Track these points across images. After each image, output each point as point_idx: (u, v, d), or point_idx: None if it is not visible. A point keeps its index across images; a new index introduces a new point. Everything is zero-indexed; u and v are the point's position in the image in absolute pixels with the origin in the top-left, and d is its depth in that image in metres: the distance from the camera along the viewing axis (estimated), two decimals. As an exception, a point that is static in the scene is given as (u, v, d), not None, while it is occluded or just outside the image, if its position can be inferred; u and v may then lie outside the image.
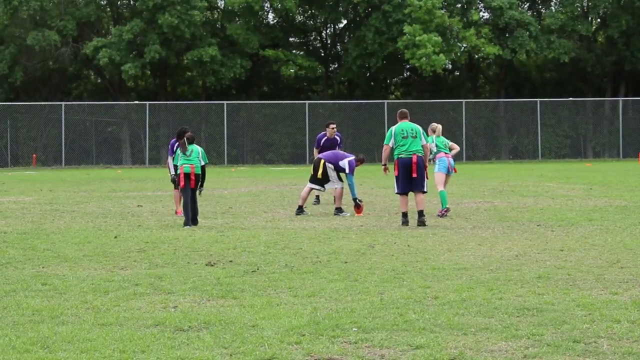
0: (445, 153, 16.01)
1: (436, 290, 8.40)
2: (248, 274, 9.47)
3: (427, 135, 15.13)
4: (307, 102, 46.54)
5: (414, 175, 14.34)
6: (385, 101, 46.29)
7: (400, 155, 14.42)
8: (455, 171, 16.50)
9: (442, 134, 16.36)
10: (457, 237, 12.82)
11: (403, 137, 14.41)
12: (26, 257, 11.00)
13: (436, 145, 15.90)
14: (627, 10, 47.49)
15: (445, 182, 16.00)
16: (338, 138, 19.29)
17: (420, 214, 14.33)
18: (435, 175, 15.83)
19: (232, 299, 8.07)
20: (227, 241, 12.51)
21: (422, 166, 14.48)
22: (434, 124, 16.36)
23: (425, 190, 14.55)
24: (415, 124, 14.71)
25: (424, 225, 14.15)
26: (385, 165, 15.15)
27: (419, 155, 14.41)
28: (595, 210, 16.45)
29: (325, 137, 19.17)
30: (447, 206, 15.67)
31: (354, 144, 42.67)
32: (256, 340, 6.47)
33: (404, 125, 14.60)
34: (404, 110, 15.15)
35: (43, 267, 10.18)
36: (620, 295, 8.12)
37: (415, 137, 14.44)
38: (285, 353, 6.12)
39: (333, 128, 19.19)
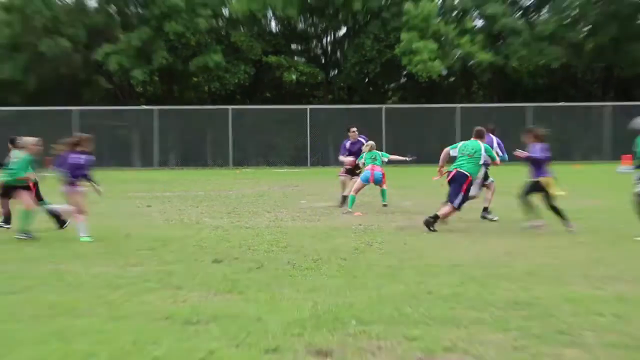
0: (374, 165, 17.32)
1: (431, 285, 8.52)
2: (253, 271, 9.59)
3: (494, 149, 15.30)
4: (308, 107, 46.53)
5: (450, 184, 14.18)
6: (383, 106, 46.33)
7: (451, 168, 14.37)
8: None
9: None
10: (451, 236, 12.96)
11: (462, 154, 14.32)
12: (42, 255, 11.11)
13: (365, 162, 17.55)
14: (616, 19, 47.65)
15: (359, 189, 17.20)
16: (363, 140, 18.86)
17: (435, 217, 13.87)
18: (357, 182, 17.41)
19: (237, 294, 8.17)
20: (232, 240, 12.56)
21: (458, 181, 14.10)
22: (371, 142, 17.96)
23: (455, 206, 13.99)
24: (480, 143, 14.43)
25: (430, 226, 13.77)
26: (441, 167, 14.59)
27: (459, 170, 14.13)
28: (582, 210, 16.43)
29: (350, 142, 19.01)
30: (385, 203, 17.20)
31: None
32: (261, 332, 6.65)
33: (470, 143, 14.47)
34: (481, 129, 14.73)
35: (59, 264, 10.28)
36: (604, 290, 8.33)
37: (472, 155, 14.23)
38: (289, 344, 6.32)
39: (354, 131, 19.09)
